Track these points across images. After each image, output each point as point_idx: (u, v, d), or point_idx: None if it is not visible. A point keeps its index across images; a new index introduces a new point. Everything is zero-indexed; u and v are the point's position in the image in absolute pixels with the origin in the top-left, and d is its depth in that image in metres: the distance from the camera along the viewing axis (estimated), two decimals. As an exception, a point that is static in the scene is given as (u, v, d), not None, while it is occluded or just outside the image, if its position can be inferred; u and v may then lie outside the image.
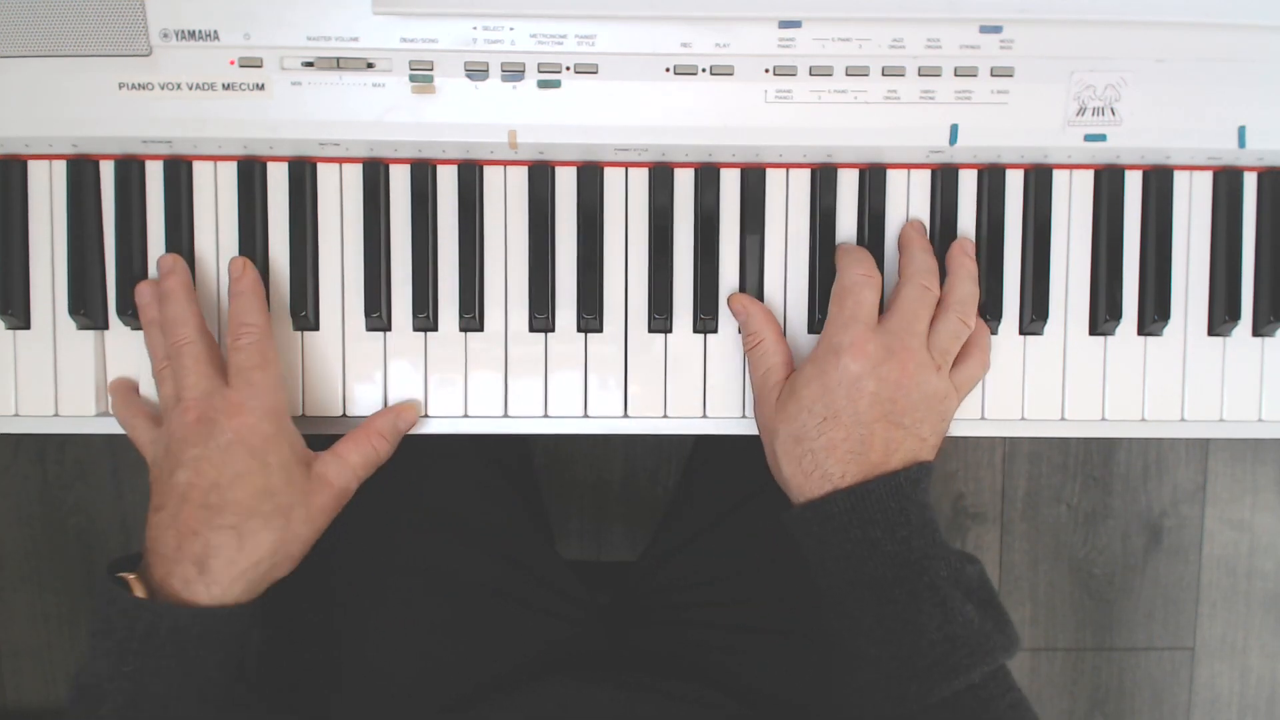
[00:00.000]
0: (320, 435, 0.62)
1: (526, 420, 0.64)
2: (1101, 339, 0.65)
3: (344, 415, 0.64)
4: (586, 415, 0.64)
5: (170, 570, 0.54)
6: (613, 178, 0.64)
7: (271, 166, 0.63)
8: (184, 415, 0.56)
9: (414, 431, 0.63)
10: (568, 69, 0.60)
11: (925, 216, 0.65)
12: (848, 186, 0.65)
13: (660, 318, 0.64)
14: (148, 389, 0.63)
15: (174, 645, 0.53)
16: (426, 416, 0.64)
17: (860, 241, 0.64)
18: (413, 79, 0.59)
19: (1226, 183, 0.65)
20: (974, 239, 0.65)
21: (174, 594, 0.54)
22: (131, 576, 0.54)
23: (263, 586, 0.57)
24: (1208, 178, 0.65)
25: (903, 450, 0.57)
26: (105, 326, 0.63)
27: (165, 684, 0.53)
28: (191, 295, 0.61)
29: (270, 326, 0.60)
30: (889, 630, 0.54)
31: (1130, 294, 0.65)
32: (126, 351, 0.63)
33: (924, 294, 0.59)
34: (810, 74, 0.60)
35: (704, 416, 0.65)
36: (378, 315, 0.63)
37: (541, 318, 0.64)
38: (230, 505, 0.55)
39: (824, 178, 0.64)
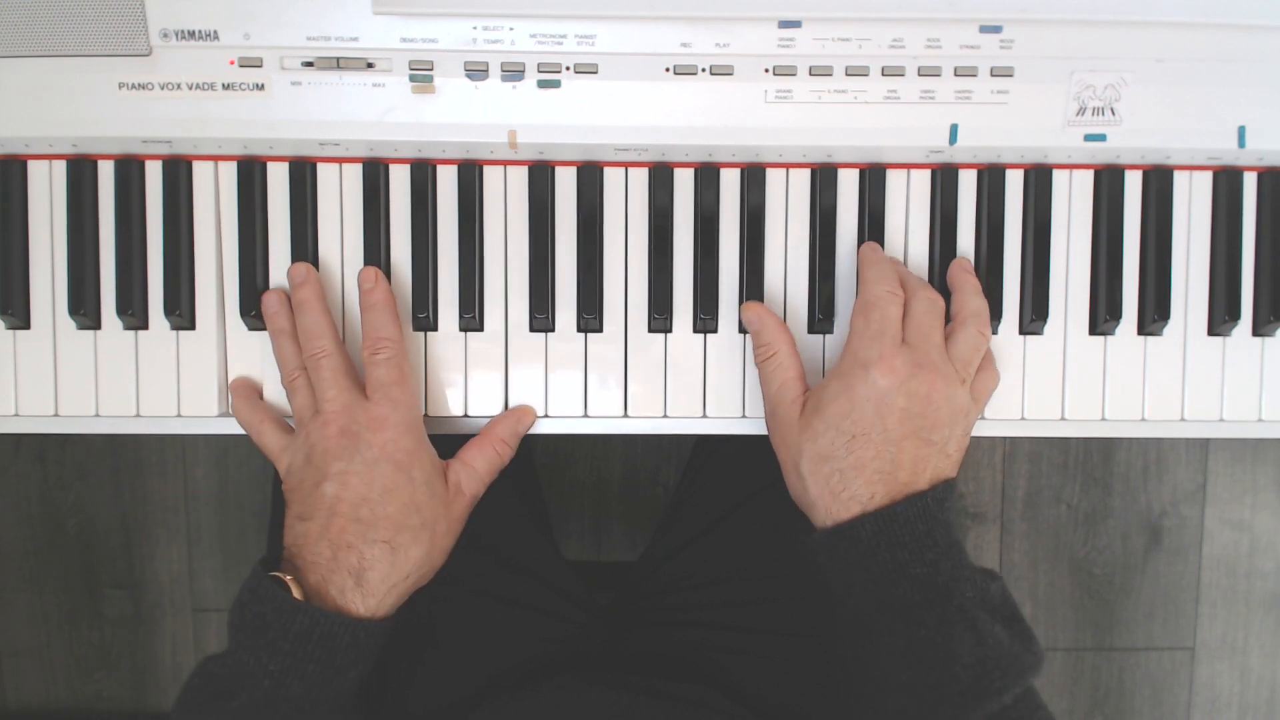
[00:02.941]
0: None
1: (526, 420, 0.64)
2: (1101, 339, 0.65)
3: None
4: (586, 415, 0.64)
5: (327, 579, 0.55)
6: (613, 178, 0.64)
7: (271, 166, 0.63)
8: (324, 428, 0.57)
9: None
10: (567, 69, 0.60)
11: (925, 216, 0.65)
12: (848, 186, 0.65)
13: (660, 318, 0.64)
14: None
15: (323, 650, 0.53)
16: (426, 416, 0.64)
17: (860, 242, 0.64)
18: (413, 79, 0.59)
19: (1226, 183, 0.65)
20: (974, 239, 0.65)
21: (330, 601, 0.55)
22: (288, 578, 0.54)
23: (404, 599, 0.58)
24: (1208, 178, 0.65)
25: (931, 468, 0.56)
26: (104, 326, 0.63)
27: (305, 687, 0.53)
28: (326, 306, 0.61)
29: (404, 340, 0.61)
30: (920, 656, 0.53)
31: (1130, 294, 0.65)
32: (125, 351, 0.63)
33: (932, 305, 0.58)
34: (810, 74, 0.60)
35: (704, 416, 0.65)
36: (378, 315, 0.63)
37: (541, 318, 0.64)
38: (382, 520, 0.55)
39: (824, 177, 0.64)
